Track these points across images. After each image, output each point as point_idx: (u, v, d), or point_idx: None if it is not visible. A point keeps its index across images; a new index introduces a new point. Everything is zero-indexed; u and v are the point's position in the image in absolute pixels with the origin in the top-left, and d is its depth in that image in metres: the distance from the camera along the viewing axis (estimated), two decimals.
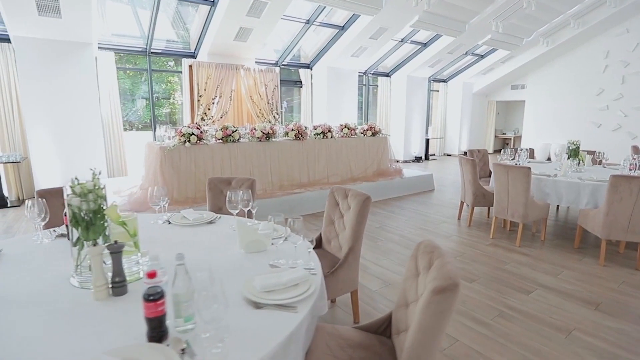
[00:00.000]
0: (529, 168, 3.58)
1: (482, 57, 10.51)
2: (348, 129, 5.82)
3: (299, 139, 5.21)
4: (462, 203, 4.77)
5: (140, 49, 6.68)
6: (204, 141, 4.42)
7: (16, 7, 4.67)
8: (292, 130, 5.15)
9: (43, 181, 5.55)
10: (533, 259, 3.45)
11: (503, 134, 12.73)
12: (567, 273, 3.13)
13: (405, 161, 10.44)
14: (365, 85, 10.21)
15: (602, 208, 3.26)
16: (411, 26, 7.43)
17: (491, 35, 8.55)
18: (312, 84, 8.78)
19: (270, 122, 7.19)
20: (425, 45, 9.15)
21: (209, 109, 6.60)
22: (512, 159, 4.63)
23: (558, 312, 2.52)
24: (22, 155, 5.58)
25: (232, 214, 2.02)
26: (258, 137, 4.81)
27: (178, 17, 6.91)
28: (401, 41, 8.81)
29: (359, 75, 9.69)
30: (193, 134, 4.26)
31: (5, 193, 5.44)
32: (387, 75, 10.35)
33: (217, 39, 6.44)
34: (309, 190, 5.07)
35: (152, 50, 6.71)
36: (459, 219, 4.77)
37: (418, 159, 10.70)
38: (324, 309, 1.63)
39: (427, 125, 11.42)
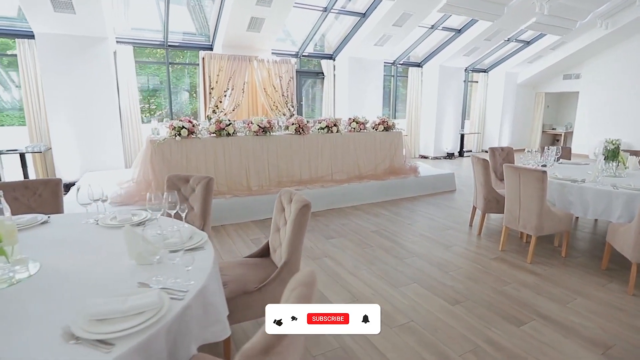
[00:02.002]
0: (544, 172, 3.01)
1: (527, 43, 9.42)
2: (357, 123, 5.44)
3: (300, 133, 4.94)
4: (474, 208, 4.23)
5: (158, 42, 6.78)
6: (197, 135, 4.32)
7: (34, 4, 4.88)
8: (293, 124, 4.89)
9: (64, 171, 5.85)
10: (543, 279, 2.91)
11: (553, 129, 11.42)
12: (580, 301, 2.58)
13: (436, 157, 9.74)
14: (393, 76, 9.63)
15: (633, 224, 2.64)
16: (439, 11, 6.79)
17: (536, 19, 7.56)
18: (334, 75, 8.42)
19: (284, 115, 6.99)
20: (459, 32, 8.37)
21: (220, 102, 6.55)
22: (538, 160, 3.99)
23: (551, 353, 2.04)
24: (47, 146, 5.91)
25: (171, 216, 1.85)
26: (254, 131, 4.62)
27: (198, 9, 6.90)
28: (431, 28, 8.13)
29: (387, 66, 9.15)
30: (184, 127, 4.17)
31: None
32: (419, 65, 9.66)
33: (230, 30, 6.33)
34: (308, 188, 4.81)
35: (169, 43, 6.79)
36: (470, 225, 4.24)
37: (450, 156, 9.93)
38: (219, 336, 1.41)
39: (463, 119, 10.57)
